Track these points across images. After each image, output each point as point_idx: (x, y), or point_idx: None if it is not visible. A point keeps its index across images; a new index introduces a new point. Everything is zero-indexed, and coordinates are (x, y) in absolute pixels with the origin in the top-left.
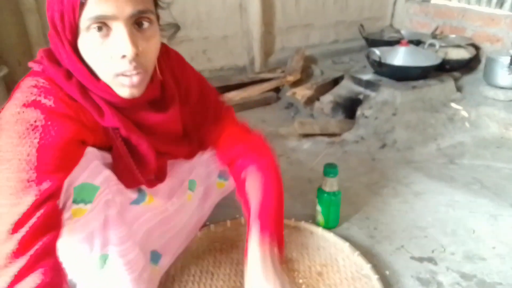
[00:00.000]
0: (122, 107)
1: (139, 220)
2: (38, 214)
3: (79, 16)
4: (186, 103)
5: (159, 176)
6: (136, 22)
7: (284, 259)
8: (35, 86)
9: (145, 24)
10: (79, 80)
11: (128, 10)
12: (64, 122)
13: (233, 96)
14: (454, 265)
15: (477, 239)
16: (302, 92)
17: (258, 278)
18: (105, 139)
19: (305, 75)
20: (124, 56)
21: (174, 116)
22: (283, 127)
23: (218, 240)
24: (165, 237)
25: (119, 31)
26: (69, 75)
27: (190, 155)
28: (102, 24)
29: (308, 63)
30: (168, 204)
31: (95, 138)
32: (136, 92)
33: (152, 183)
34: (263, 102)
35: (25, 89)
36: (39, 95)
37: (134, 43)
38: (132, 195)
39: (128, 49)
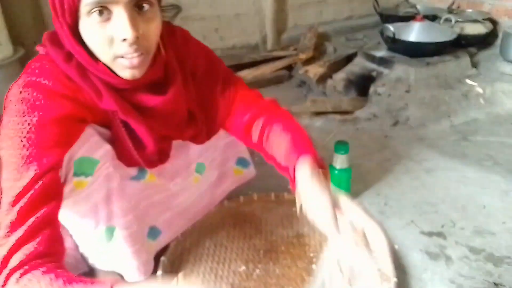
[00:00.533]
0: (122, 88)
1: (139, 195)
2: (36, 186)
3: (79, 1)
4: (193, 79)
5: (161, 158)
6: (136, 5)
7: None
8: (37, 68)
9: (146, 7)
10: (79, 62)
11: None
12: (62, 101)
13: (246, 74)
14: (463, 239)
15: (487, 214)
16: (315, 70)
17: (314, 190)
18: (104, 118)
19: (318, 53)
20: (124, 40)
21: (175, 98)
22: (296, 105)
23: (231, 216)
24: (166, 214)
25: (120, 14)
26: (69, 57)
27: (197, 138)
28: (103, 8)
29: (321, 40)
30: (171, 184)
31: (94, 117)
32: (137, 73)
33: (152, 164)
34: (276, 81)
35: (28, 71)
36: (40, 76)
37: (135, 26)
38: (132, 171)
39: (129, 33)
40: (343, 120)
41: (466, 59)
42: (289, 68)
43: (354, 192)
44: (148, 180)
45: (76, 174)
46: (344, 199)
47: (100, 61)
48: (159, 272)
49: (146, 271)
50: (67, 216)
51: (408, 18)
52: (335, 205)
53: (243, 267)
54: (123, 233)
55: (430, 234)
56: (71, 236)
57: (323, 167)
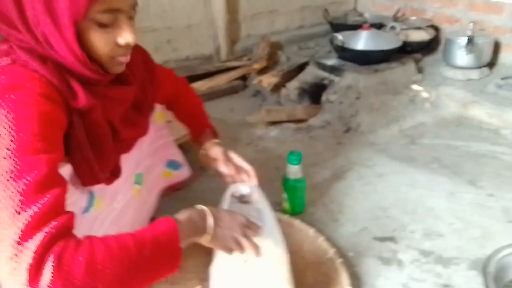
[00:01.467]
0: (97, 83)
1: (93, 228)
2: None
3: (87, 8)
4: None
5: (115, 172)
6: (130, 16)
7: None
8: (6, 73)
9: (133, 16)
10: (55, 64)
11: (130, 1)
12: (45, 101)
13: (200, 85)
14: (413, 242)
15: (435, 216)
16: (268, 80)
17: (213, 148)
18: (68, 127)
19: (272, 62)
20: (127, 43)
21: (136, 88)
22: (251, 116)
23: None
24: None
25: (125, 22)
26: (43, 60)
27: (146, 130)
28: (111, 16)
29: (274, 49)
30: (114, 203)
31: (65, 121)
32: (123, 68)
33: (109, 180)
34: (230, 91)
35: (6, 76)
36: (14, 80)
37: (134, 32)
38: (82, 203)
39: (133, 38)
40: (298, 129)
41: (412, 65)
42: (244, 78)
43: (310, 201)
44: (97, 206)
45: None
46: (231, 152)
47: (91, 61)
48: None
49: None
50: None
51: (357, 27)
52: (226, 155)
53: (199, 287)
54: None
55: (382, 239)
56: None
57: (216, 135)
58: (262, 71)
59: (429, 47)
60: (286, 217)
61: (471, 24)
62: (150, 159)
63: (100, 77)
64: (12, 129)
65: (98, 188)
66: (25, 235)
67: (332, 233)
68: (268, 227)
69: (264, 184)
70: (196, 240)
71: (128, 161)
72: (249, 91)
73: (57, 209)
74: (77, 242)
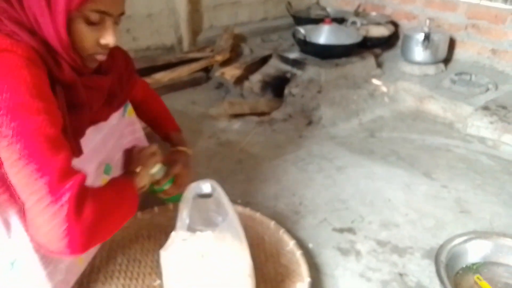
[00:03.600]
0: (80, 68)
1: None
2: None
3: (82, 5)
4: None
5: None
6: (116, 21)
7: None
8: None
9: (118, 23)
10: (42, 39)
11: (120, 10)
12: (33, 65)
13: (161, 77)
14: (371, 233)
15: (392, 208)
16: (231, 72)
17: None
18: None
19: (235, 54)
20: (107, 44)
21: (112, 78)
22: (213, 108)
23: (145, 227)
24: None
25: (110, 25)
26: (32, 33)
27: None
28: (100, 16)
29: (238, 41)
30: None
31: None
32: (96, 64)
33: (77, 154)
34: (193, 83)
35: None
36: (5, 45)
37: (116, 36)
38: None
39: (113, 41)
40: (260, 122)
41: (372, 60)
42: (206, 70)
43: (272, 194)
44: None
45: None
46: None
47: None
48: None
49: None
50: None
51: (319, 21)
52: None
53: (158, 281)
54: (36, 256)
55: (341, 230)
56: None
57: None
58: (225, 63)
59: (388, 42)
60: (247, 210)
61: (428, 20)
62: (120, 152)
63: (77, 66)
64: (7, 91)
65: None
66: (56, 185)
67: (293, 225)
68: (228, 221)
69: (226, 177)
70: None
71: (98, 150)
72: (212, 83)
73: (71, 160)
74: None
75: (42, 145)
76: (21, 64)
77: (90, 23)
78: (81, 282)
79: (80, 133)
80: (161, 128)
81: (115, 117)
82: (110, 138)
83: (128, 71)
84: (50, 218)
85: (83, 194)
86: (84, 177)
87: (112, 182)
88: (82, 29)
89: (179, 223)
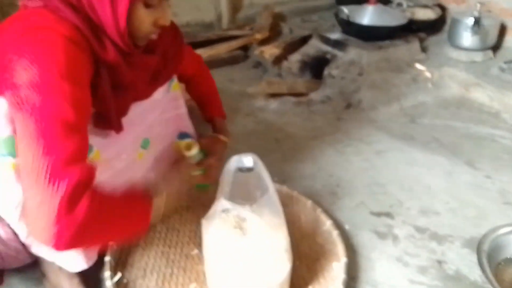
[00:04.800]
0: (129, 50)
1: None
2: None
3: None
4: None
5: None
6: None
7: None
8: (44, 15)
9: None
10: (86, 16)
11: None
12: (72, 45)
13: (200, 53)
14: (409, 219)
15: (432, 195)
16: (270, 51)
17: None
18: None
19: (274, 33)
20: (164, 25)
21: (158, 58)
22: (251, 87)
23: (184, 199)
24: None
25: (166, 5)
26: (76, 9)
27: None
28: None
29: (277, 20)
30: (115, 161)
31: (91, 70)
32: (146, 42)
33: (118, 129)
34: (231, 61)
35: (34, 18)
36: (46, 21)
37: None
38: None
39: (169, 21)
40: (298, 102)
41: (416, 43)
42: (245, 48)
43: (308, 174)
44: (94, 157)
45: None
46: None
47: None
48: (107, 258)
49: (90, 259)
50: (5, 202)
51: (363, 1)
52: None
53: (196, 251)
54: None
55: (378, 214)
56: (8, 225)
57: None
58: (264, 42)
59: (434, 26)
60: (284, 188)
61: (478, 5)
62: (161, 127)
63: (130, 50)
64: (39, 67)
65: (98, 142)
66: (59, 169)
67: (330, 206)
68: (268, 196)
69: (263, 155)
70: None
71: (137, 124)
72: (250, 61)
73: (83, 151)
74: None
75: (57, 128)
76: (60, 44)
77: (148, 6)
78: (122, 247)
79: (123, 112)
80: (206, 109)
81: (159, 92)
82: (151, 113)
83: (175, 45)
84: (41, 202)
85: (83, 187)
86: (90, 171)
87: (129, 193)
88: (141, 13)
89: (220, 194)
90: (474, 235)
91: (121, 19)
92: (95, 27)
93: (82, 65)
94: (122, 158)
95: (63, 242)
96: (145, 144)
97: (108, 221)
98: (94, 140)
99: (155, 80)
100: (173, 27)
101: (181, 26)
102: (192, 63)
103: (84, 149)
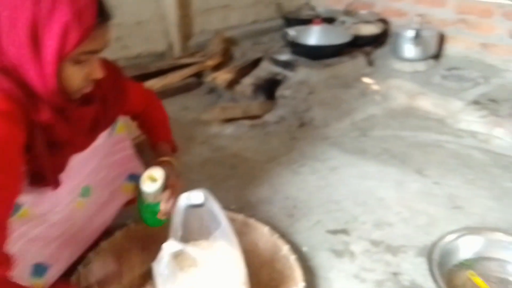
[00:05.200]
0: (63, 106)
1: (13, 235)
2: None
3: (73, 49)
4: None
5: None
6: None
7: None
8: None
9: None
10: (17, 78)
11: (107, 44)
12: (2, 120)
13: (153, 84)
14: (364, 233)
15: (385, 207)
16: (223, 76)
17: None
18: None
19: (226, 58)
20: (96, 79)
21: (96, 108)
22: (206, 113)
23: (139, 239)
24: (51, 247)
25: (97, 60)
26: (6, 71)
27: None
28: (88, 55)
29: (229, 45)
30: (50, 214)
31: (23, 139)
32: (80, 95)
33: (55, 186)
34: (185, 88)
35: None
36: None
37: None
38: None
39: (102, 74)
40: (253, 125)
41: (362, 58)
42: (198, 75)
43: (265, 198)
44: (21, 215)
45: None
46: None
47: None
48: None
49: None
50: None
51: (309, 21)
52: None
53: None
54: None
55: (335, 232)
56: None
57: (174, 150)
58: (216, 68)
59: (378, 40)
60: (241, 216)
61: (417, 17)
62: (105, 171)
63: (65, 105)
64: None
65: (31, 198)
66: None
67: (287, 229)
68: (221, 230)
69: (219, 183)
70: None
71: (75, 174)
72: (204, 88)
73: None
74: None
75: None
76: None
77: (77, 62)
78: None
79: (61, 168)
80: (152, 137)
81: (101, 138)
82: (91, 160)
83: (116, 90)
84: None
85: None
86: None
87: None
88: (71, 71)
89: (171, 234)
90: (427, 243)
91: (50, 81)
92: (27, 89)
93: (13, 142)
94: (57, 211)
95: None
96: (85, 192)
97: None
98: (26, 198)
99: (95, 130)
100: (113, 71)
101: (132, 57)
102: (141, 100)
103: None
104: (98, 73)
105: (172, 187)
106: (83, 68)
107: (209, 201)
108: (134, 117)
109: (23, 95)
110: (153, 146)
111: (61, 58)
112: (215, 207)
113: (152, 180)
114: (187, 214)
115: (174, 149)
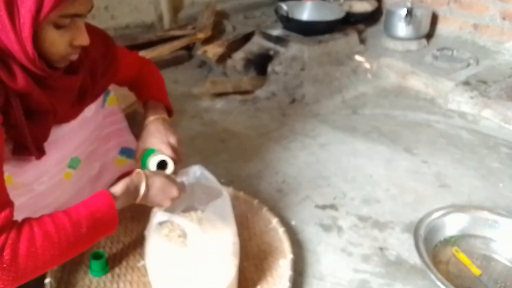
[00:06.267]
0: (44, 74)
1: None
2: None
3: (49, 12)
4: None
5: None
6: None
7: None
8: None
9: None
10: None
11: (89, 7)
12: None
13: (142, 56)
14: (352, 209)
15: (373, 184)
16: (214, 50)
17: (152, 133)
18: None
19: (217, 32)
20: (81, 45)
21: (82, 77)
22: (196, 87)
23: (128, 209)
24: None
25: (80, 25)
26: None
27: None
28: (69, 19)
29: (220, 18)
30: (35, 184)
31: None
32: (68, 63)
33: (38, 156)
34: (174, 62)
35: None
36: None
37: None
38: None
39: (87, 41)
40: (244, 100)
41: (355, 36)
42: (188, 48)
43: (254, 173)
44: (6, 181)
45: None
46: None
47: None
48: (47, 280)
49: None
50: None
51: None
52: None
53: (142, 262)
54: None
55: (323, 207)
56: None
57: (170, 113)
58: (207, 41)
59: (371, 18)
60: (230, 190)
61: None
62: (96, 144)
63: (45, 74)
64: None
65: (13, 167)
66: None
67: (276, 203)
68: (217, 201)
69: (209, 157)
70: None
71: (63, 145)
72: (194, 61)
73: None
74: (17, 233)
75: None
76: None
77: (59, 27)
78: (63, 266)
79: (43, 137)
80: (144, 95)
81: (90, 109)
82: (80, 132)
83: (107, 60)
84: None
85: (4, 243)
86: (8, 214)
87: (86, 208)
88: (51, 35)
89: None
90: (413, 219)
91: (27, 44)
92: (2, 54)
93: None
94: (43, 181)
95: None
96: (73, 164)
97: (61, 244)
98: (9, 166)
99: (82, 100)
100: (104, 39)
101: (121, 28)
102: (134, 68)
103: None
104: (83, 39)
105: (180, 161)
106: (66, 33)
107: (204, 176)
108: (127, 83)
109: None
110: (144, 104)
111: (38, 20)
112: (211, 180)
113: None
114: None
115: (170, 113)
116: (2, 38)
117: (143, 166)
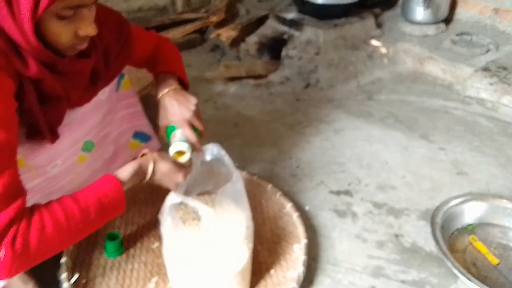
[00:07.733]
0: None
1: None
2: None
3: (52, 3)
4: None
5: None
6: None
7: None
8: None
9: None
10: (5, 36)
11: None
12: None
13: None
14: (367, 195)
15: (389, 170)
16: (227, 33)
17: (167, 109)
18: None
19: (230, 15)
20: (87, 35)
21: (93, 61)
22: (209, 71)
23: (143, 190)
24: (50, 199)
25: (86, 15)
26: None
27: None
28: (72, 10)
29: (233, 1)
30: (48, 167)
31: (12, 87)
32: (77, 51)
33: (52, 140)
34: (187, 45)
35: None
36: None
37: (95, 24)
38: None
39: (93, 30)
40: (257, 85)
41: (371, 20)
42: (201, 31)
43: (268, 158)
44: (19, 164)
45: None
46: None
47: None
48: (63, 259)
49: None
50: None
51: None
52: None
53: (156, 244)
54: None
55: (338, 193)
56: None
57: (186, 86)
58: (220, 24)
59: (388, 1)
60: (244, 174)
61: None
62: (110, 128)
63: (54, 61)
64: None
65: (27, 149)
66: None
67: (290, 188)
68: (230, 184)
69: (223, 141)
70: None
71: (76, 128)
72: (207, 45)
73: (12, 191)
74: (28, 222)
75: None
76: None
77: (62, 18)
78: (79, 245)
79: (57, 122)
80: (159, 67)
81: (104, 92)
82: (94, 115)
83: (120, 43)
84: None
85: (16, 232)
86: (20, 204)
87: (93, 193)
88: (54, 27)
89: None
90: (429, 207)
91: (30, 37)
92: (13, 42)
93: (2, 87)
94: (56, 163)
95: (5, 273)
96: (87, 147)
97: (70, 231)
98: (22, 149)
99: (95, 84)
100: (118, 21)
101: (134, 11)
102: (147, 46)
103: (12, 181)
104: (89, 29)
105: (197, 149)
106: (70, 24)
107: (221, 156)
108: (143, 64)
109: (9, 50)
110: (155, 79)
111: (38, 14)
112: (227, 161)
113: (180, 155)
114: (199, 167)
115: (186, 86)
116: (7, 29)
117: (168, 138)
